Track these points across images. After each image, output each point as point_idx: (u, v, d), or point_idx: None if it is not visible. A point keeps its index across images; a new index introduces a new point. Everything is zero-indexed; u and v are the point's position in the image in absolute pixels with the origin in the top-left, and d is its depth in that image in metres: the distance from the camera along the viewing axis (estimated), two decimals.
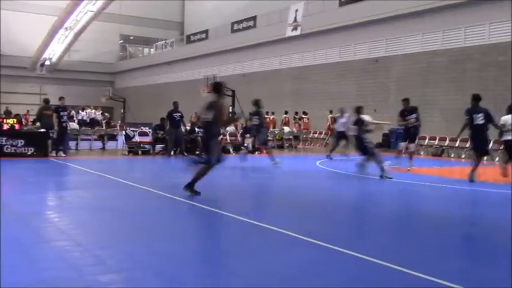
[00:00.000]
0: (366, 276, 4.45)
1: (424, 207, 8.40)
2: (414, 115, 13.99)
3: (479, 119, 11.39)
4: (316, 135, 26.92)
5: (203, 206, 7.62)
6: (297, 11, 30.51)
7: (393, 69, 25.16)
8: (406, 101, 14.38)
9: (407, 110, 14.09)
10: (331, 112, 26.48)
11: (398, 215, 7.84)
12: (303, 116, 28.46)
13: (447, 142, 20.36)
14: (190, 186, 8.36)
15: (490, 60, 20.72)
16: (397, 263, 4.71)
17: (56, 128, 16.15)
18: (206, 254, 5.08)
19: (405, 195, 10.13)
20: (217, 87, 8.81)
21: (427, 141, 21.19)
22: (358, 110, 12.73)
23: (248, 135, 20.38)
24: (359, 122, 12.44)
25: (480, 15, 21.15)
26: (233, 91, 28.19)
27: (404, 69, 24.54)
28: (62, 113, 16.66)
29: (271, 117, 29.23)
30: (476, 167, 11.53)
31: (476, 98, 11.83)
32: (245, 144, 20.02)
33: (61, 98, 17.34)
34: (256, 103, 16.06)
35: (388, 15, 24.55)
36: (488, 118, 11.43)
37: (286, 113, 29.14)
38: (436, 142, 20.89)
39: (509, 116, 11.35)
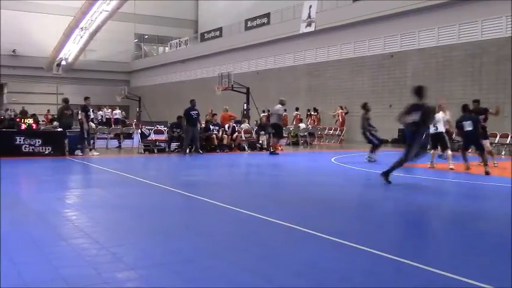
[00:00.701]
0: (380, 270, 4.42)
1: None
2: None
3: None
4: (331, 131, 26.81)
5: (218, 203, 7.64)
6: (310, 7, 30.38)
7: (408, 64, 24.96)
8: (476, 102, 14.71)
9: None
10: (341, 108, 26.41)
11: (410, 211, 7.78)
12: (313, 113, 28.34)
13: None
14: (386, 174, 9.74)
15: (506, 53, 20.44)
16: (419, 261, 4.68)
17: (85, 127, 16.24)
18: (220, 251, 5.09)
19: (418, 191, 10.05)
20: (420, 91, 9.54)
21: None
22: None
23: (263, 132, 20.43)
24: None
25: (496, 8, 20.85)
26: (247, 88, 28.22)
27: (420, 64, 24.32)
28: (88, 113, 16.87)
29: (284, 114, 29.11)
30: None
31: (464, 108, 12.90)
32: (260, 141, 20.07)
33: (87, 98, 17.33)
34: (281, 102, 17.84)
35: (402, 10, 24.34)
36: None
37: (297, 109, 29.03)
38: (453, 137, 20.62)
39: None
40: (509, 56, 20.30)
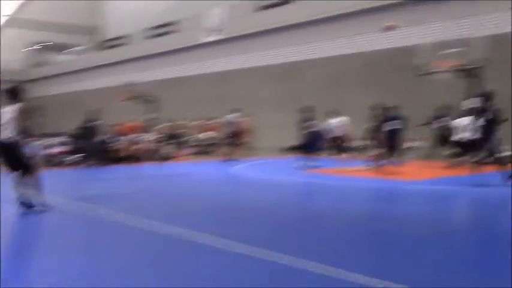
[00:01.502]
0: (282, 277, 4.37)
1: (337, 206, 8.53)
2: None
3: None
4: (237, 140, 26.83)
5: (121, 216, 7.30)
6: (218, 15, 30.46)
7: (310, 74, 25.71)
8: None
9: None
10: (242, 115, 26.85)
11: (316, 215, 7.89)
12: (212, 121, 28.16)
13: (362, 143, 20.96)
14: None
15: (401, 63, 21.62)
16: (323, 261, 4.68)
17: None
18: (121, 267, 4.81)
19: (326, 195, 10.26)
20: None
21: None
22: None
23: (169, 142, 20.07)
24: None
25: (393, 19, 22.02)
26: (154, 98, 27.63)
27: (321, 74, 25.13)
28: None
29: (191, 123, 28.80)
30: None
31: None
32: (166, 152, 19.67)
33: None
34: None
35: (303, 20, 25.09)
36: None
37: (207, 119, 28.77)
38: (357, 143, 21.40)
39: None
40: (402, 66, 21.48)
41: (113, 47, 41.66)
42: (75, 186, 12.72)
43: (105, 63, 40.79)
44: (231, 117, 18.38)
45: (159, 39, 35.89)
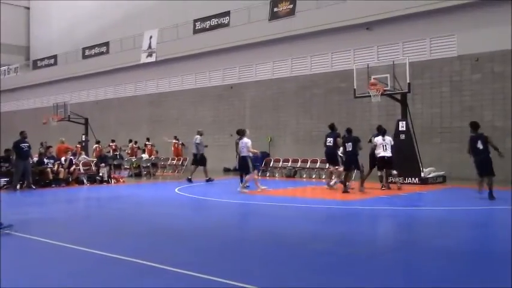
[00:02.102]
0: None
1: (281, 228, 8.72)
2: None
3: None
4: (174, 161, 26.72)
5: (55, 242, 7.12)
6: (151, 37, 30.38)
7: (247, 95, 26.10)
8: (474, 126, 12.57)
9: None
10: (175, 138, 26.94)
11: (254, 237, 8.04)
12: (147, 143, 27.98)
13: (299, 164, 21.50)
14: None
15: (333, 86, 22.48)
16: (256, 283, 4.80)
17: None
18: None
19: (260, 216, 10.43)
20: None
21: (281, 163, 22.17)
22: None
23: (103, 164, 19.65)
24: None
25: (323, 45, 22.91)
26: (86, 119, 27.06)
27: (257, 95, 25.58)
28: None
29: (131, 145, 28.33)
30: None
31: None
32: (100, 174, 19.24)
33: None
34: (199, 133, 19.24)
35: (240, 44, 25.51)
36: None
37: (130, 141, 28.41)
38: (289, 164, 21.93)
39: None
40: (334, 89, 22.34)
41: (44, 66, 40.38)
42: (4, 211, 12.18)
43: (36, 83, 39.47)
44: (197, 139, 18.74)
45: (92, 60, 35.21)
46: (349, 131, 14.31)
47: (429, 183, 16.34)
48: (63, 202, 13.82)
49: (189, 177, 18.65)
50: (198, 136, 19.03)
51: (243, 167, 14.94)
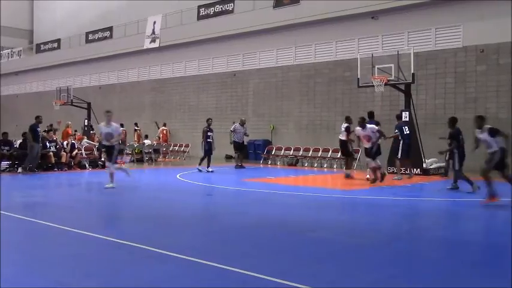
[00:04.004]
0: (227, 284, 4.48)
1: (280, 215, 8.74)
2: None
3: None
4: (176, 147, 26.77)
5: (57, 226, 7.15)
6: (155, 23, 30.23)
7: (250, 83, 26.02)
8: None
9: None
10: (164, 125, 27.06)
11: (254, 224, 8.05)
12: (136, 128, 28.09)
13: (301, 152, 21.51)
14: None
15: (337, 75, 22.39)
16: (255, 270, 4.82)
17: None
18: (61, 277, 4.75)
19: (261, 204, 10.45)
20: None
21: (283, 151, 22.18)
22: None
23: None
24: None
25: (328, 34, 22.78)
26: (89, 103, 27.03)
27: (261, 83, 25.51)
28: None
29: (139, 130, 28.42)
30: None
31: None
32: (102, 159, 19.27)
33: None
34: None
35: (244, 31, 25.37)
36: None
37: (136, 125, 28.50)
38: (291, 152, 21.93)
39: None
40: (338, 78, 22.26)
41: (47, 50, 40.29)
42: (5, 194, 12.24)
43: (39, 66, 39.41)
44: (235, 126, 19.30)
45: (95, 44, 35.11)
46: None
47: (431, 174, 16.34)
48: (64, 186, 13.86)
49: (239, 163, 19.07)
50: (237, 124, 19.30)
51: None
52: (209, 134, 17.73)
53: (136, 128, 27.68)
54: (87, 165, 18.64)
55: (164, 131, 27.46)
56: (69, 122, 22.79)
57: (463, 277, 4.92)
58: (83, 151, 19.02)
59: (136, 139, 26.37)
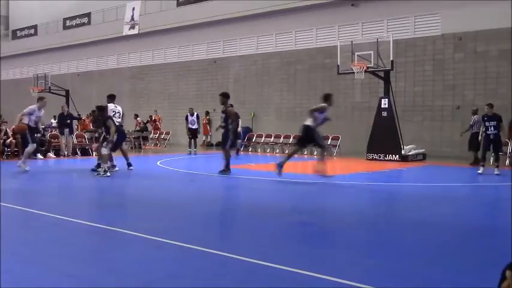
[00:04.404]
0: (206, 266, 4.52)
1: (260, 200, 8.80)
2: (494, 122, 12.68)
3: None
4: (157, 135, 26.64)
5: (47, 214, 7.11)
6: (133, 9, 29.90)
7: (231, 70, 25.95)
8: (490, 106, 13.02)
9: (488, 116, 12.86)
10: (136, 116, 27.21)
11: (234, 208, 8.10)
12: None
13: (281, 139, 21.59)
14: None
15: (317, 62, 22.46)
16: (238, 253, 4.87)
17: None
18: (40, 260, 4.73)
19: (241, 189, 10.51)
20: None
21: (263, 138, 22.23)
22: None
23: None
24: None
25: (308, 21, 22.81)
26: (67, 91, 26.68)
27: (241, 70, 25.46)
28: None
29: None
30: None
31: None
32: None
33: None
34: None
35: (224, 18, 25.25)
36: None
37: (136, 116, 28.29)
38: (272, 139, 22.00)
39: None
40: (318, 65, 22.33)
41: (24, 36, 39.58)
42: None
43: (16, 53, 38.72)
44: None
45: (73, 30, 34.60)
46: None
47: (409, 161, 16.57)
48: (49, 173, 13.73)
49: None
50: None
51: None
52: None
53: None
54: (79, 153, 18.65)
55: (156, 118, 27.02)
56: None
57: None
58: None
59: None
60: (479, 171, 12.39)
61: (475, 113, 15.71)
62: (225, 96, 12.44)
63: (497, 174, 12.11)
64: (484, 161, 12.66)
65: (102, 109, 12.57)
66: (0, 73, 40.71)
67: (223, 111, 12.44)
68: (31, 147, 12.70)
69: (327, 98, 11.18)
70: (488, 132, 12.56)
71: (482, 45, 18.27)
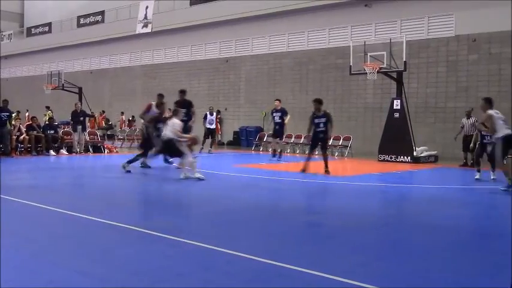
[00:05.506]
0: (219, 266, 4.54)
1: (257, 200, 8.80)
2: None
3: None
4: None
5: (46, 207, 7.16)
6: (147, 8, 30.03)
7: (243, 69, 25.96)
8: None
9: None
10: (122, 113, 27.24)
11: (245, 208, 8.11)
12: (102, 113, 28.20)
13: (293, 139, 21.54)
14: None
15: (329, 62, 22.39)
16: (247, 252, 4.88)
17: None
18: (52, 255, 4.78)
19: (252, 188, 10.50)
20: None
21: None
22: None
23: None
24: None
25: (321, 21, 22.75)
26: (80, 88, 26.85)
27: (253, 70, 25.46)
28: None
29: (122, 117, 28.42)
30: None
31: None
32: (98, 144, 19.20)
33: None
34: None
35: (236, 17, 25.27)
36: None
37: (122, 113, 28.51)
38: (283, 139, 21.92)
39: None
40: (331, 66, 22.26)
41: (38, 34, 39.92)
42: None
43: (30, 50, 39.07)
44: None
45: (87, 28, 34.83)
46: None
47: (421, 163, 16.47)
48: (56, 170, 13.84)
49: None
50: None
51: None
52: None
53: (102, 112, 27.78)
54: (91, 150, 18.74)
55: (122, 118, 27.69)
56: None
57: None
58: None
59: (99, 124, 26.51)
60: (476, 177, 11.83)
61: (468, 115, 15.50)
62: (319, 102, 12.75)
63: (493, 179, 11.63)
64: (479, 166, 12.03)
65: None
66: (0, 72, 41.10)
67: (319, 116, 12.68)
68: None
69: None
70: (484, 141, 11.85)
71: (497, 47, 18.10)
